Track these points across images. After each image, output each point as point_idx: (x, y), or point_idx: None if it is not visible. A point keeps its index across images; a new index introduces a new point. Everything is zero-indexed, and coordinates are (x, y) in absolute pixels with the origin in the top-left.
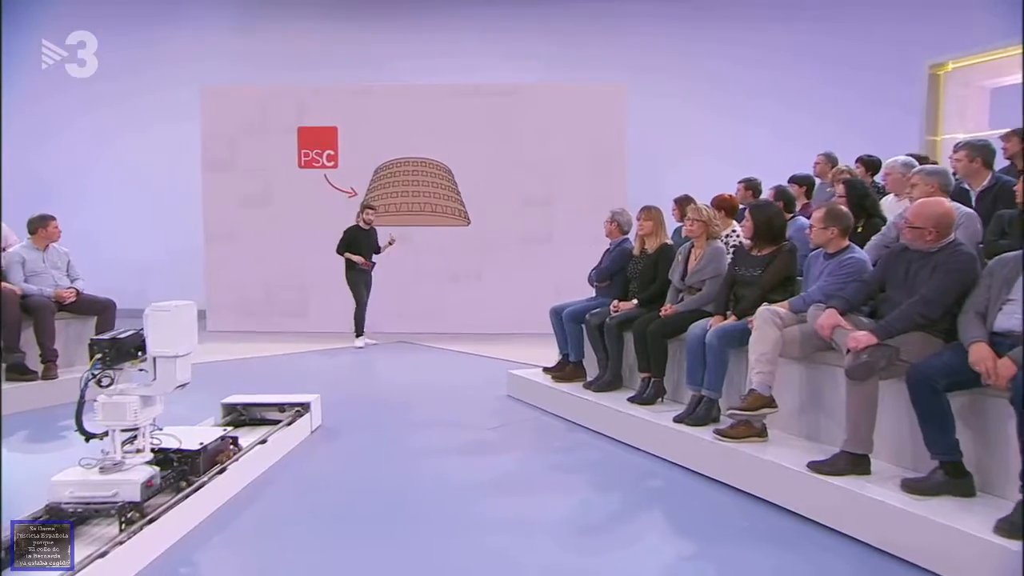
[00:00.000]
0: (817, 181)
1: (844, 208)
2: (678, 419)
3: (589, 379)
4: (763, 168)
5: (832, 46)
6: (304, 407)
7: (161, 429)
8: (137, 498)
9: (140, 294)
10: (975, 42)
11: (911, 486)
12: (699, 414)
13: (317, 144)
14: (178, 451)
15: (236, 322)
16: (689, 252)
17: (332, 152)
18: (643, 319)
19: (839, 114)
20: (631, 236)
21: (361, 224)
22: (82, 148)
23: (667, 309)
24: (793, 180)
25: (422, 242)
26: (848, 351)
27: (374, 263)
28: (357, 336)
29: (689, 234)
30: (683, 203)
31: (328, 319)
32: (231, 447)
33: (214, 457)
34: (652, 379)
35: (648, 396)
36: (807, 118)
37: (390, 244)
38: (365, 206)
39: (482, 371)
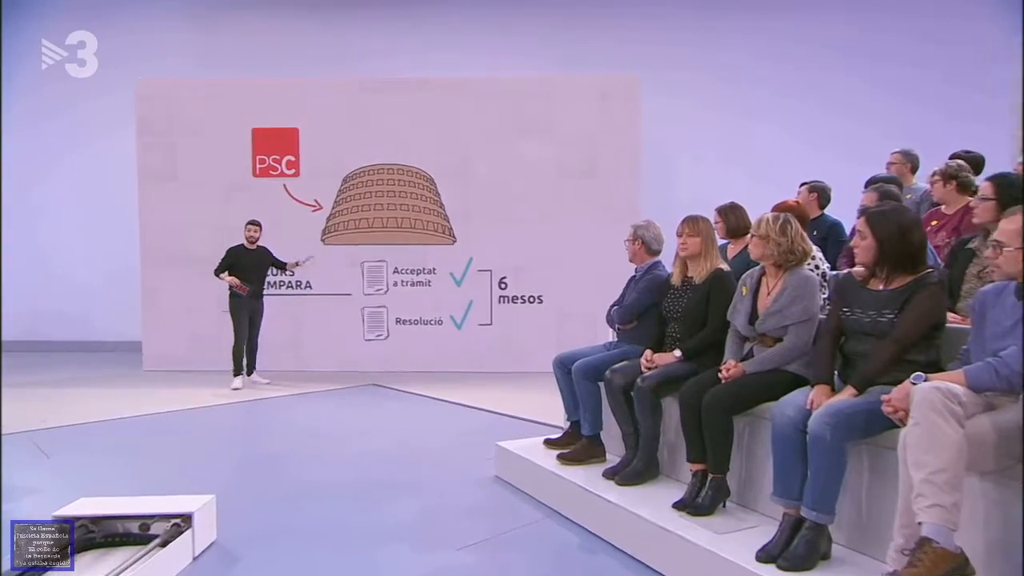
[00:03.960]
0: None
1: None
2: (765, 556)
3: (610, 463)
4: (788, 175)
5: (883, 37)
6: (185, 519)
7: None
8: None
9: (81, 321)
10: None
11: None
12: (799, 550)
13: (275, 149)
14: None
15: (176, 360)
16: (759, 282)
17: (293, 158)
18: (694, 383)
19: (890, 114)
20: (661, 258)
21: (246, 243)
22: (36, 158)
23: (730, 368)
24: (873, 183)
25: (399, 264)
26: None
27: (250, 287)
28: (235, 375)
29: (762, 259)
30: (729, 213)
31: (282, 357)
32: None
33: None
34: (710, 475)
35: (704, 502)
36: (847, 119)
37: (297, 264)
38: (249, 222)
39: (463, 430)
